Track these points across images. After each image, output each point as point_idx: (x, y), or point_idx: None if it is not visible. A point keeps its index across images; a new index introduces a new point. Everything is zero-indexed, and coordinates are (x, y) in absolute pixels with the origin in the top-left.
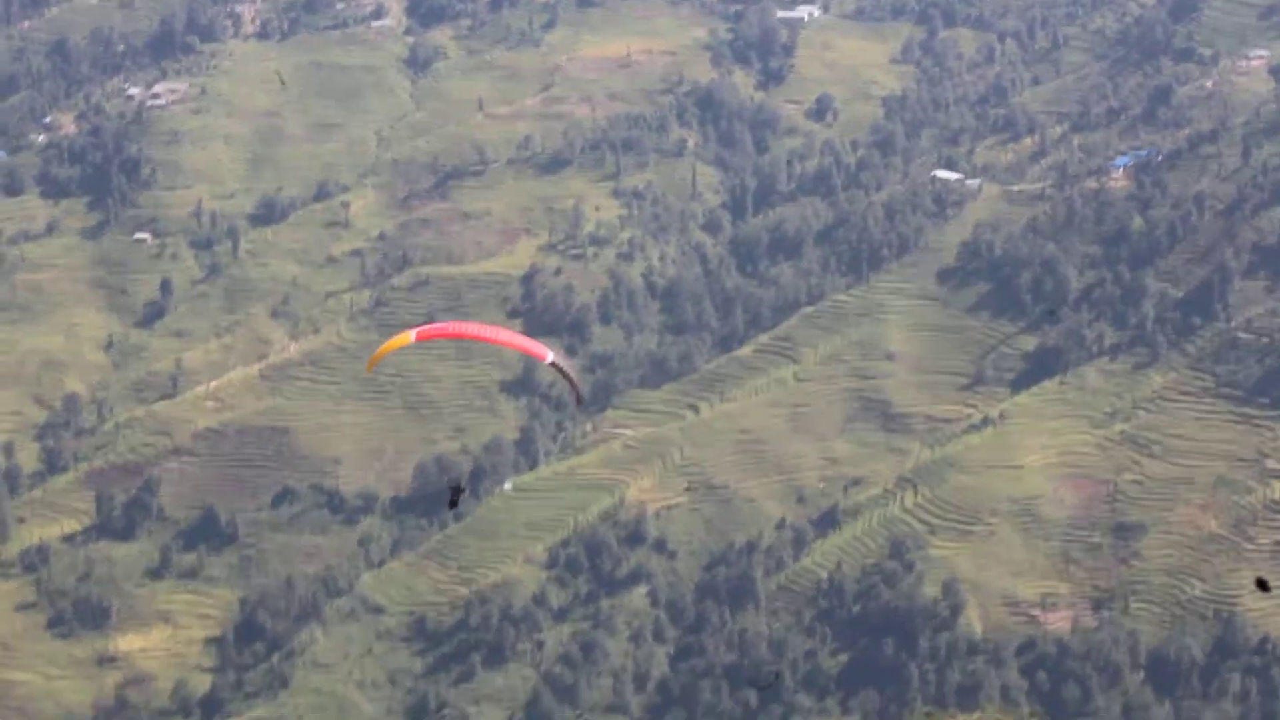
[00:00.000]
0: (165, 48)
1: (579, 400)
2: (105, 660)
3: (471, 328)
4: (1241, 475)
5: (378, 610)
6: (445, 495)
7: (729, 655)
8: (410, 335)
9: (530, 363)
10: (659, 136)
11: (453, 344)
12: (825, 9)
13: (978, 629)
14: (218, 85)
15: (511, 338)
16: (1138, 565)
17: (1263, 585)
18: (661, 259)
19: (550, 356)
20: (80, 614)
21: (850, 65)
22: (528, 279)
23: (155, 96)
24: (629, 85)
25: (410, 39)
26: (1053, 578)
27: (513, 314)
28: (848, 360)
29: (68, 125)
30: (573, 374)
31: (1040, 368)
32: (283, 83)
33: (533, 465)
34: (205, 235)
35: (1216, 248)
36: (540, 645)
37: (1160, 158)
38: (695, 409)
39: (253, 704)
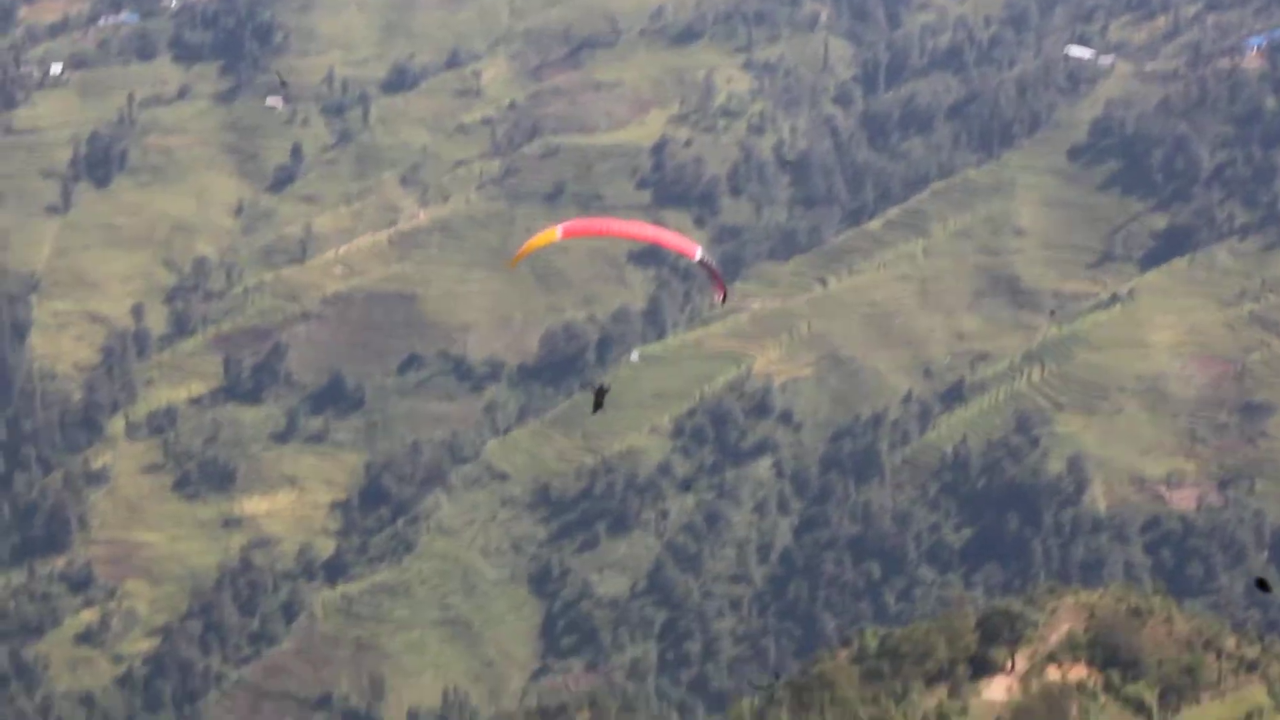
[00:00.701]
0: None
1: (724, 297)
2: (230, 522)
3: (618, 225)
4: None
5: (502, 477)
6: (591, 399)
7: (853, 527)
8: (556, 232)
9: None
10: (791, 9)
11: (581, 209)
12: None
13: (1102, 505)
14: None
15: (659, 234)
16: (1265, 445)
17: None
18: (792, 132)
19: (699, 254)
20: (206, 476)
21: None
22: (658, 150)
23: None
24: None
25: None
26: (1179, 456)
27: (642, 185)
28: (977, 236)
29: None
30: (719, 270)
31: (1170, 246)
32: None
33: (660, 335)
34: (336, 101)
35: None
36: (664, 515)
37: None
38: (823, 282)
39: (376, 568)
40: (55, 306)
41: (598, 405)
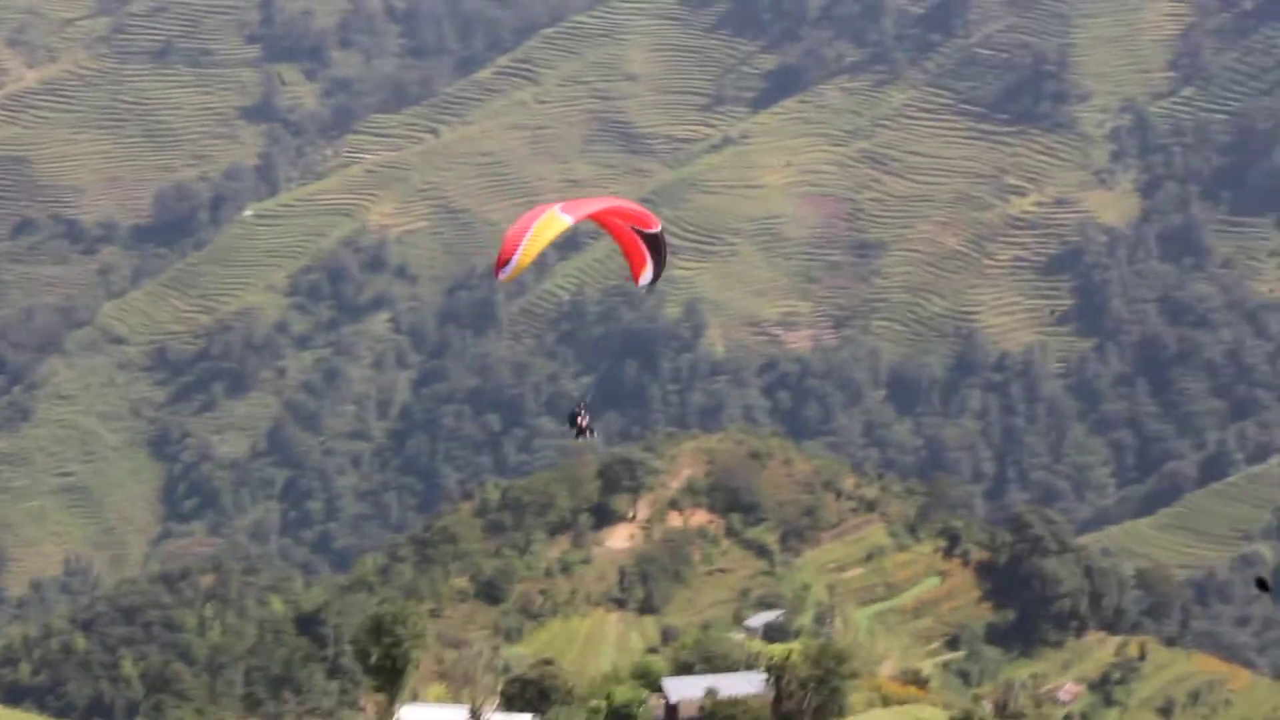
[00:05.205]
0: None
1: (654, 282)
2: None
3: (595, 205)
4: (981, 191)
5: (119, 341)
6: (571, 425)
7: (471, 380)
8: (565, 218)
9: (270, 88)
10: None
11: (190, 65)
12: None
13: (719, 349)
14: None
15: (628, 206)
16: (878, 283)
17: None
18: None
19: (658, 227)
20: None
21: None
22: (266, 4)
23: None
24: None
25: None
26: (794, 297)
27: (251, 39)
28: (588, 81)
29: None
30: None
31: (780, 87)
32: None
33: (273, 191)
34: None
35: None
36: (282, 373)
37: None
38: (435, 132)
39: None
40: None
41: (579, 432)
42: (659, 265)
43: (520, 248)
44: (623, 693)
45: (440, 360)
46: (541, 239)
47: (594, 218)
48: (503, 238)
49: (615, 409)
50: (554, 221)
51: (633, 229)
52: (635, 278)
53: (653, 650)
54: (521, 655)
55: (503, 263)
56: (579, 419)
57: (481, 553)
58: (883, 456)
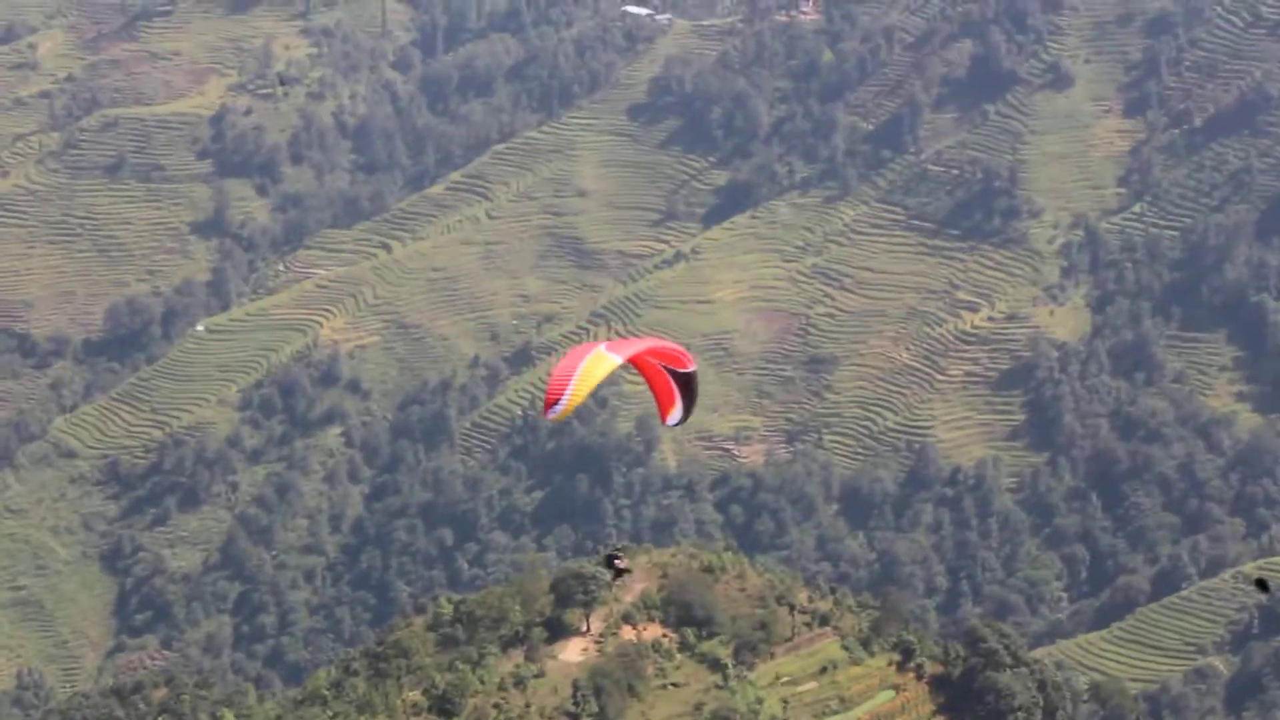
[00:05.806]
0: None
1: (682, 418)
2: None
3: (639, 345)
4: (932, 307)
5: (70, 455)
6: (609, 565)
7: (424, 494)
8: (614, 358)
9: (221, 203)
10: None
11: (142, 181)
12: None
13: (672, 464)
14: None
15: (666, 346)
16: (830, 398)
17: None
18: (352, 98)
19: (692, 367)
20: None
21: None
22: (217, 120)
23: None
24: None
25: None
26: (746, 412)
27: (203, 155)
28: (539, 197)
29: None
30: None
31: (731, 202)
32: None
33: (225, 306)
34: None
35: (906, 81)
36: (234, 487)
37: None
38: (387, 248)
39: None
40: None
41: (617, 574)
42: (689, 404)
43: (570, 388)
44: None
45: (392, 475)
46: (591, 378)
47: (632, 359)
48: (549, 377)
49: (568, 523)
50: (603, 361)
51: (664, 368)
52: (663, 417)
53: None
54: None
55: (551, 403)
56: (617, 562)
57: (435, 666)
58: (835, 571)
